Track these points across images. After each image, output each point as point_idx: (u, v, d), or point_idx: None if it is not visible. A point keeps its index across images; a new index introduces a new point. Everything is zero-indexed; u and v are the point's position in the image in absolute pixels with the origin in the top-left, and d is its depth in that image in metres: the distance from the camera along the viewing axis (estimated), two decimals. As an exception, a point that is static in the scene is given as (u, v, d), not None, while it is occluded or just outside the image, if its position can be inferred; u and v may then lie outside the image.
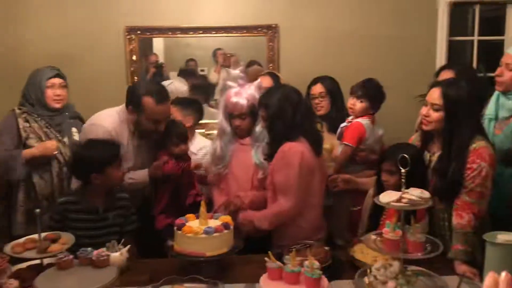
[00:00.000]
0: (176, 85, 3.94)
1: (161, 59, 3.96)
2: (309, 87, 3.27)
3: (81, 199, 2.41)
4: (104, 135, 2.59)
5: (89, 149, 2.41)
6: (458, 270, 2.09)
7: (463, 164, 2.17)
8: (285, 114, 2.37)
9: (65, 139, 2.92)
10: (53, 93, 2.91)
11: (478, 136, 2.21)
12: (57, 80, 2.94)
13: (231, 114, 2.70)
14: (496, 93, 2.63)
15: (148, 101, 2.59)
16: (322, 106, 3.20)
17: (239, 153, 2.75)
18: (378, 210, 2.36)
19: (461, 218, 2.16)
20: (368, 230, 2.28)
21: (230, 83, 2.80)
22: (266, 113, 2.44)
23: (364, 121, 2.99)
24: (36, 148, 2.79)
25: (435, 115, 2.23)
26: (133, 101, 2.64)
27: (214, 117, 3.31)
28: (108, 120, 2.69)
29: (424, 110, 2.28)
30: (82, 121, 3.05)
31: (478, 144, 2.17)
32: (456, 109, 2.18)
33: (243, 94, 2.67)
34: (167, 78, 3.99)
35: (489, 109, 2.63)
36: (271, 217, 2.42)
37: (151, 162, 2.76)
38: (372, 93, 2.99)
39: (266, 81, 3.17)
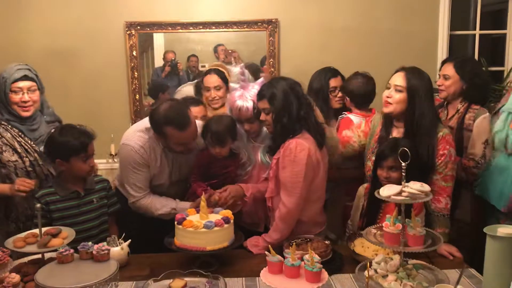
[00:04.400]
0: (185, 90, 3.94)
1: (161, 55, 3.95)
2: (329, 79, 3.15)
3: (58, 188, 2.40)
4: (131, 153, 2.47)
5: (60, 135, 2.38)
6: (438, 251, 2.21)
7: (433, 148, 2.30)
8: (291, 107, 2.28)
9: (42, 148, 2.53)
10: (20, 99, 2.50)
11: (439, 124, 2.39)
12: (24, 84, 2.52)
13: (238, 119, 2.55)
14: None
15: (171, 130, 2.37)
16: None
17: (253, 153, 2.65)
18: (376, 205, 2.34)
19: (439, 203, 2.31)
20: (367, 225, 2.27)
21: (232, 84, 2.66)
22: (271, 106, 2.31)
23: (353, 116, 2.98)
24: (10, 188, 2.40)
25: (397, 96, 2.37)
26: (156, 129, 2.43)
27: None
28: (137, 139, 2.50)
29: (385, 92, 2.43)
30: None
31: (444, 132, 2.35)
32: (418, 90, 2.32)
33: (247, 96, 2.50)
34: (182, 77, 3.99)
35: (510, 103, 2.57)
36: (280, 225, 2.32)
37: (190, 170, 2.65)
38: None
39: (212, 80, 3.11)
